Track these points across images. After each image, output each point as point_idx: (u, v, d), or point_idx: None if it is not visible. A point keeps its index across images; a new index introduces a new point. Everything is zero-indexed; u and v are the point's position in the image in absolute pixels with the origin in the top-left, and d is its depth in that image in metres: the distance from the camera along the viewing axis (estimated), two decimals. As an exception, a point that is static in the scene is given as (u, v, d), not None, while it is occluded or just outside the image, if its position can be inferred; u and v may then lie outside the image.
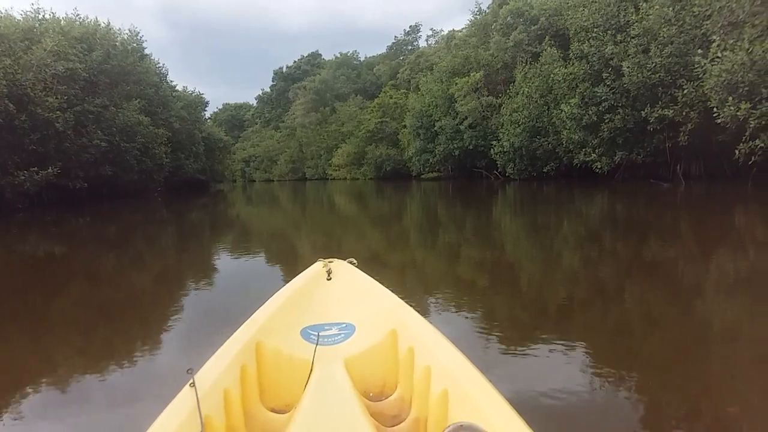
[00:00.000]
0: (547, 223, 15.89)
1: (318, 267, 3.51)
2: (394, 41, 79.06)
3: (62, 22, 32.91)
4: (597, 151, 27.79)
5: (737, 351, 4.15)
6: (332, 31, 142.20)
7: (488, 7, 47.71)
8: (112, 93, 34.76)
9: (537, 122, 34.45)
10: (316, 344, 2.67)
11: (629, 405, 3.21)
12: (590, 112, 27.04)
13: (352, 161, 70.45)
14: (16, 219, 22.03)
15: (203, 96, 51.77)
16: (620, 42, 25.51)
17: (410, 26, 77.61)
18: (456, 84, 43.92)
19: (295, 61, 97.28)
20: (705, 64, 20.32)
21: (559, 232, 13.09)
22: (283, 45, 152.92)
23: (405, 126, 56.32)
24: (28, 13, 31.79)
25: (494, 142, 38.59)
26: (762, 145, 18.76)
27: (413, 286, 6.67)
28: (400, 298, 3.01)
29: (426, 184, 46.38)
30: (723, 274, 7.12)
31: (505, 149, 36.99)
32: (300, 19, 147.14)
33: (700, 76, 21.68)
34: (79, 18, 34.80)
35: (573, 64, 28.97)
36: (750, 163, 19.94)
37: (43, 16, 32.79)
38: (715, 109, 20.53)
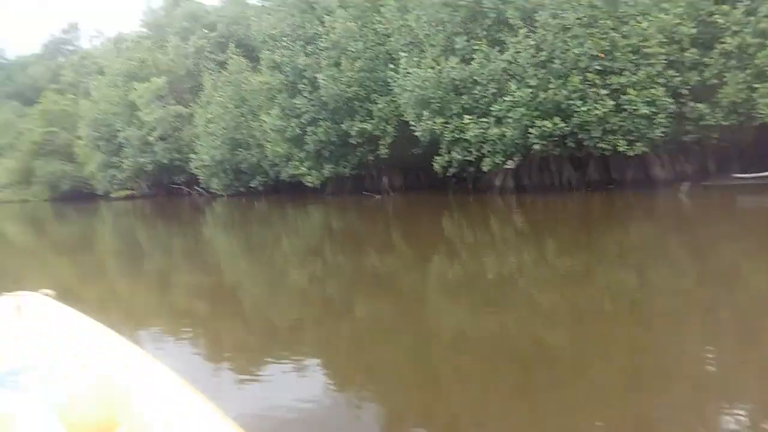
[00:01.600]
0: (263, 240, 15.63)
1: (4, 303, 3.02)
2: (50, 39, 67.81)
3: None
4: (305, 164, 26.90)
5: (469, 351, 4.30)
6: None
7: (161, 9, 43.25)
8: None
9: (236, 134, 32.26)
10: (17, 392, 2.31)
11: (363, 413, 3.32)
12: (293, 124, 25.95)
13: (18, 180, 58.66)
14: None
15: None
16: (312, 53, 24.80)
17: (69, 24, 67.07)
18: (136, 90, 38.88)
19: None
20: (397, 79, 20.66)
21: (278, 248, 12.73)
22: None
23: (80, 137, 48.56)
24: None
25: (192, 156, 35.23)
26: (458, 157, 19.81)
27: (126, 318, 5.99)
28: (113, 331, 2.77)
29: (118, 204, 40.72)
30: (445, 279, 7.53)
31: (205, 163, 34.01)
32: None
33: (392, 90, 22.12)
34: None
35: (266, 73, 27.39)
36: (447, 174, 21.03)
37: None
38: (411, 124, 21.12)
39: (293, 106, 25.90)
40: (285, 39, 25.27)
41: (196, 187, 38.61)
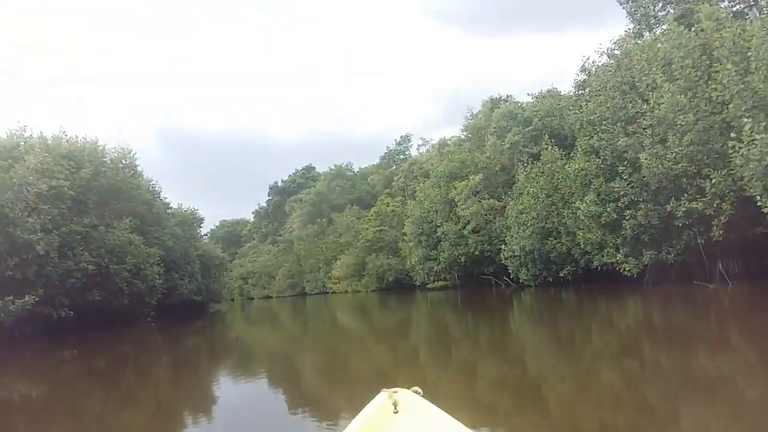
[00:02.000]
0: (571, 332, 14.15)
1: (383, 399, 3.25)
2: (386, 151, 79.42)
3: (49, 140, 31.36)
4: (621, 251, 25.29)
5: None
6: (324, 146, 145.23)
7: (479, 112, 47.32)
8: (101, 211, 32.70)
9: (547, 223, 32.34)
10: None
11: None
12: (609, 209, 24.86)
13: (352, 273, 67.70)
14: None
15: (197, 211, 49.86)
16: (632, 133, 23.86)
17: (401, 136, 77.91)
18: (455, 188, 42.35)
19: (290, 175, 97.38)
20: (741, 149, 18.39)
21: (588, 342, 11.65)
22: (277, 160, 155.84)
23: (405, 234, 54.29)
24: (13, 131, 30.26)
25: (502, 246, 36.25)
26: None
27: (490, 419, 5.70)
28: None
29: (433, 294, 43.55)
30: None
31: (515, 253, 34.56)
32: (291, 135, 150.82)
33: (731, 162, 19.75)
34: (66, 136, 33.35)
35: (580, 159, 27.19)
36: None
37: (30, 134, 31.24)
38: (756, 199, 18.38)
39: (610, 189, 24.96)
40: (604, 123, 24.95)
41: (505, 278, 39.25)
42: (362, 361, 12.36)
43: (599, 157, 25.52)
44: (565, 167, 30.56)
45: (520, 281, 35.76)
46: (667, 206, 22.63)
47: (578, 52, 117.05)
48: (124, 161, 38.06)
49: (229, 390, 9.53)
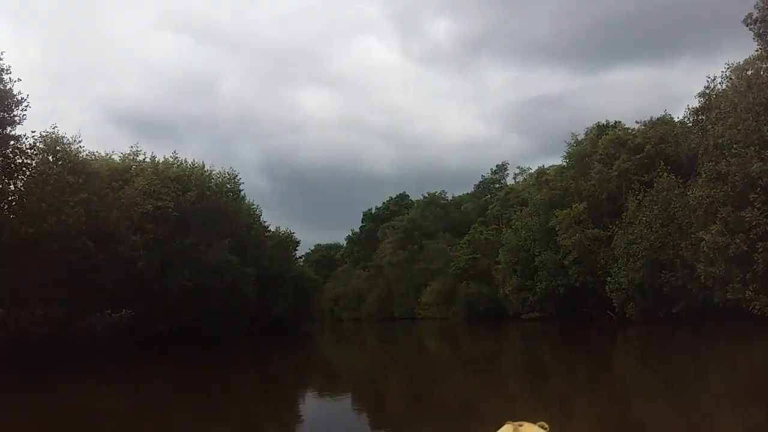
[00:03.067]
0: (684, 373, 12.50)
1: (507, 431, 3.11)
2: (481, 180, 77.21)
3: (159, 164, 32.33)
4: (751, 287, 22.20)
5: None
6: (418, 176, 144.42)
7: (584, 139, 44.60)
8: (203, 232, 33.12)
9: (660, 254, 29.40)
10: None
11: None
12: (738, 241, 21.93)
13: (442, 299, 65.96)
14: (88, 366, 19.67)
15: (294, 234, 50.05)
16: (768, 158, 21.01)
17: (497, 165, 75.45)
18: (556, 216, 39.83)
19: (384, 203, 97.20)
20: None
21: (704, 386, 10.75)
22: (372, 189, 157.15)
23: (498, 262, 51.99)
24: (126, 155, 31.40)
25: (608, 278, 33.40)
26: None
27: None
28: None
29: (527, 325, 41.05)
30: None
31: (622, 286, 31.73)
32: (387, 166, 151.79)
33: None
34: (177, 161, 34.33)
35: (704, 186, 24.35)
36: None
37: (143, 158, 32.33)
38: None
39: (740, 219, 22.08)
40: (735, 146, 22.19)
41: (608, 312, 36.15)
42: (440, 390, 12.03)
43: (727, 184, 22.70)
44: (686, 195, 27.68)
45: (627, 316, 32.68)
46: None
47: (683, 85, 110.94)
48: (228, 185, 38.80)
49: (313, 409, 9.64)
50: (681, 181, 30.63)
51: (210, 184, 35.13)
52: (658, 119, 39.32)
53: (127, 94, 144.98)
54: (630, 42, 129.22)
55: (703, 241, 23.31)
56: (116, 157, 31.68)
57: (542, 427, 3.22)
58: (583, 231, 37.94)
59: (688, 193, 25.66)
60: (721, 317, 26.91)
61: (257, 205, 44.45)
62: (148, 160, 32.32)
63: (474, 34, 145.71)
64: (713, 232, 22.79)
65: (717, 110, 24.28)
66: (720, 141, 23.14)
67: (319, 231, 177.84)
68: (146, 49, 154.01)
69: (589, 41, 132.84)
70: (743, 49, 42.11)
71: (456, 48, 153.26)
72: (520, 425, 3.21)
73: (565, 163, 46.57)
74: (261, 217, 44.44)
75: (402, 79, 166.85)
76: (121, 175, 29.33)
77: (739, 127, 22.47)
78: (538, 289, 42.46)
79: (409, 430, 7.94)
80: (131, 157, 31.69)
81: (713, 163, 23.63)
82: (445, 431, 7.76)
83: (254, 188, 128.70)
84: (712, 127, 23.95)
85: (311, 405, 10.18)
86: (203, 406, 10.17)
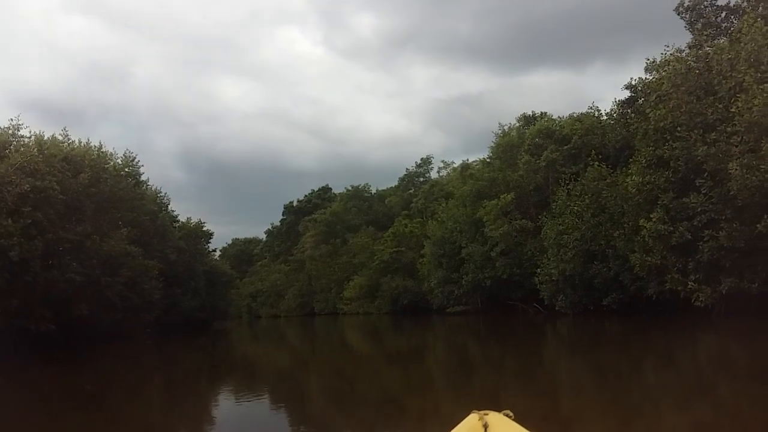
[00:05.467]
0: (616, 368, 11.79)
1: (473, 421, 3.13)
2: (405, 173, 74.99)
3: (47, 142, 27.45)
4: (693, 277, 20.82)
5: None
6: (341, 171, 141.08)
7: (511, 129, 43.12)
8: (98, 220, 28.63)
9: (592, 245, 27.98)
10: None
11: None
12: (681, 228, 20.46)
13: (364, 294, 63.47)
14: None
15: (204, 225, 45.54)
16: (714, 141, 19.60)
17: (421, 159, 73.36)
18: (484, 208, 38.01)
19: (305, 195, 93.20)
20: None
21: (639, 382, 9.89)
22: (295, 183, 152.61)
23: (423, 255, 49.92)
24: (5, 128, 26.32)
25: (537, 270, 31.79)
26: None
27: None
28: None
29: (452, 319, 39.03)
30: None
31: (552, 278, 30.14)
32: (310, 160, 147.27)
33: None
34: (68, 139, 29.49)
35: (643, 173, 22.80)
36: None
37: (29, 133, 27.27)
38: None
39: (683, 206, 20.66)
40: (679, 129, 20.69)
41: (535, 304, 34.68)
42: (370, 386, 11.62)
43: (669, 170, 21.20)
44: (616, 185, 26.35)
45: (556, 308, 31.19)
46: (757, 225, 18.30)
47: (596, 88, 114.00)
48: (127, 169, 34.18)
49: (229, 413, 8.89)
50: (610, 170, 29.46)
51: (106, 166, 30.52)
52: (582, 114, 38.35)
53: (32, 78, 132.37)
54: (547, 45, 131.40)
55: (644, 230, 21.79)
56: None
57: (507, 415, 3.14)
58: (511, 222, 36.33)
59: (627, 180, 24.14)
60: (651, 309, 25.83)
61: (164, 193, 39.99)
62: (28, 134, 27.39)
63: (398, 31, 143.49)
64: (654, 219, 21.25)
65: (657, 93, 22.81)
66: (662, 124, 21.69)
67: (239, 225, 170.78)
68: (53, 30, 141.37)
69: (509, 43, 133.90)
70: (653, 53, 42.56)
71: (380, 43, 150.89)
72: (486, 414, 3.15)
73: (490, 157, 44.92)
74: (169, 206, 39.94)
75: (325, 72, 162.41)
76: (-2, 151, 24.45)
77: (682, 109, 21.02)
78: (464, 282, 40.62)
79: (323, 427, 7.66)
80: (10, 131, 26.61)
81: (653, 148, 22.15)
82: (373, 428, 7.37)
83: (172, 180, 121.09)
84: (652, 111, 22.44)
85: (226, 408, 9.45)
86: (97, 415, 8.87)
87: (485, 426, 3.03)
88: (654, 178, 21.81)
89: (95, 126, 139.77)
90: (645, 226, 21.68)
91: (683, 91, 21.47)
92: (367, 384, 11.97)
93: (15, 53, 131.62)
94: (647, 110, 23.21)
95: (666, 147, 21.27)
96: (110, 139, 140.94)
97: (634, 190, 22.89)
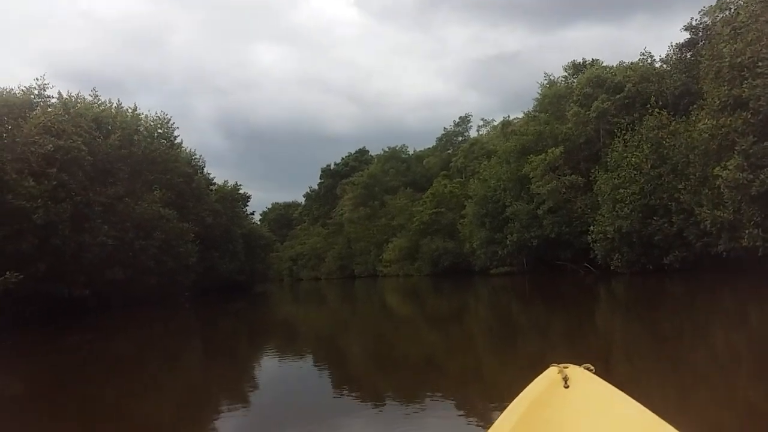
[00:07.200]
0: (678, 333, 10.36)
1: (552, 373, 2.99)
2: (443, 132, 72.36)
3: (75, 102, 26.36)
4: (775, 231, 18.37)
5: None
6: (378, 134, 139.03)
7: (558, 79, 40.16)
8: (131, 182, 27.62)
9: (652, 199, 25.49)
10: None
11: None
12: (763, 177, 17.95)
13: (404, 256, 61.88)
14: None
15: (241, 188, 44.42)
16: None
17: (460, 117, 70.49)
18: (530, 163, 35.57)
19: (342, 158, 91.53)
20: None
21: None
22: (332, 147, 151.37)
23: (464, 216, 47.85)
24: (30, 88, 25.25)
25: (590, 228, 29.46)
26: None
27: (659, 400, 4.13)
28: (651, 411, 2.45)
29: (498, 280, 37.12)
30: None
31: (607, 235, 27.78)
32: (346, 124, 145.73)
33: None
34: (98, 100, 28.37)
35: (716, 116, 20.16)
36: None
37: (57, 93, 26.21)
38: None
39: (765, 151, 18.04)
40: (761, 64, 17.94)
41: (586, 265, 32.45)
42: (419, 347, 10.93)
43: (748, 111, 18.54)
44: (683, 132, 23.66)
45: (611, 268, 28.91)
46: None
47: (638, 42, 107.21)
48: (160, 130, 33.01)
49: (271, 375, 8.69)
50: (672, 118, 26.71)
51: (138, 128, 29.37)
52: (636, 61, 35.18)
53: (71, 48, 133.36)
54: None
55: (718, 179, 19.24)
56: (18, 93, 25.58)
57: (588, 369, 2.93)
58: (559, 178, 33.88)
59: (695, 126, 21.46)
60: (723, 269, 23.36)
61: (199, 155, 38.81)
62: (55, 94, 26.35)
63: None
64: (731, 167, 18.71)
65: (732, 26, 19.93)
66: (739, 60, 18.90)
67: (279, 191, 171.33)
68: (91, 0, 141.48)
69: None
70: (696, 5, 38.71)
71: (414, 2, 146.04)
72: (566, 367, 2.96)
73: (535, 109, 42.06)
74: (204, 169, 38.87)
75: (359, 35, 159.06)
76: (20, 111, 23.42)
77: (763, 42, 18.21)
78: (508, 242, 38.49)
79: (376, 389, 7.25)
80: (36, 91, 25.56)
81: (728, 88, 19.42)
82: (416, 388, 6.98)
83: (211, 147, 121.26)
84: (727, 46, 19.63)
85: (268, 369, 9.27)
86: (133, 378, 8.80)
87: (565, 378, 2.88)
88: (730, 120, 19.17)
89: (135, 95, 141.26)
90: (720, 175, 19.16)
91: (764, 21, 18.60)
92: (415, 346, 11.17)
93: (55, 24, 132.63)
94: (720, 45, 20.36)
95: (745, 85, 18.56)
96: (150, 107, 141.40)
97: (706, 135, 20.26)
